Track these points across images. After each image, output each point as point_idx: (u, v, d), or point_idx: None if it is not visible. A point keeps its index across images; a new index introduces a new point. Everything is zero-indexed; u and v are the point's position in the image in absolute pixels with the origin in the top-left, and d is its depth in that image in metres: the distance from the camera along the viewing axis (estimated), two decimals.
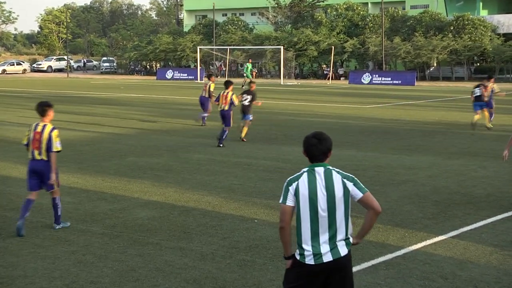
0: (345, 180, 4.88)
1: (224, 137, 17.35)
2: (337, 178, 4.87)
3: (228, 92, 17.67)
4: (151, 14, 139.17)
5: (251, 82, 19.65)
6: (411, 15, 62.21)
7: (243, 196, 11.32)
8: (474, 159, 15.23)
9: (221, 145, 17.22)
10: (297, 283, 4.87)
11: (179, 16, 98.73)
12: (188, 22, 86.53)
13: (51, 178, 8.97)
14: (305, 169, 4.94)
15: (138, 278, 7.24)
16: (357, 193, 4.88)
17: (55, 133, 8.97)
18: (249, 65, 50.73)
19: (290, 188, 4.91)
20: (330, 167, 4.93)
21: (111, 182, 12.57)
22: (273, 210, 10.20)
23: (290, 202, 4.90)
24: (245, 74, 49.95)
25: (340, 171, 4.95)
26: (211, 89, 22.39)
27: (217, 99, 17.97)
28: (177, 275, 7.32)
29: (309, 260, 4.81)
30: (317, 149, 4.92)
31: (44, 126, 8.98)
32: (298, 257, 4.89)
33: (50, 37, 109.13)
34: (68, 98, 36.66)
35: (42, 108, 9.05)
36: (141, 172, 13.70)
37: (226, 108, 17.56)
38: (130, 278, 7.25)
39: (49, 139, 8.90)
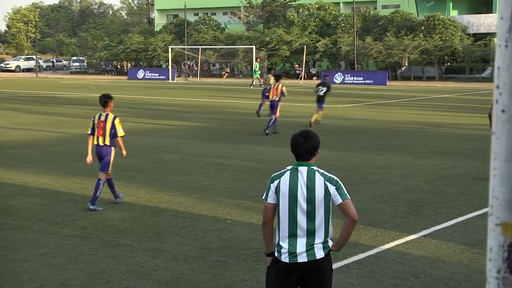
0: (327, 183, 4.82)
1: (270, 124, 19.66)
2: (319, 180, 4.82)
3: (278, 85, 20.16)
4: (121, 14, 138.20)
5: (324, 75, 23.51)
6: (383, 15, 62.70)
7: (216, 196, 11.30)
8: (445, 158, 15.40)
9: (267, 132, 19.56)
10: (275, 280, 4.92)
11: (150, 15, 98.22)
12: (159, 21, 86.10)
13: (123, 153, 10.62)
14: (289, 167, 4.92)
15: (109, 280, 7.19)
16: (337, 198, 4.82)
17: (117, 120, 10.40)
18: (258, 64, 51.00)
19: (271, 185, 4.91)
20: (315, 168, 4.88)
21: (81, 183, 12.46)
22: (246, 211, 10.20)
23: (271, 199, 4.92)
24: (255, 74, 50.20)
25: (325, 172, 4.89)
26: (271, 82, 24.40)
27: (268, 90, 20.68)
28: (149, 277, 7.29)
29: (284, 258, 4.84)
30: (302, 147, 4.87)
31: (107, 115, 10.38)
32: (276, 254, 4.93)
33: (18, 36, 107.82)
34: (38, 98, 36.24)
35: (104, 99, 10.45)
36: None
37: (276, 99, 19.98)
38: (101, 280, 7.20)
39: (113, 126, 10.32)
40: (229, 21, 76.13)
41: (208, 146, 17.38)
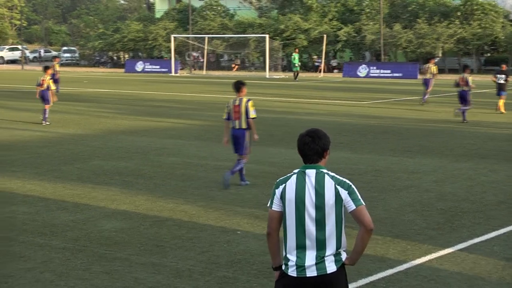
0: (339, 187, 4.88)
1: (464, 111, 22.76)
2: (329, 184, 4.87)
3: (464, 75, 22.99)
4: None
5: (502, 64, 26.60)
6: None
7: (224, 204, 11.32)
8: (484, 161, 15.35)
9: (465, 121, 22.70)
10: None
11: (150, 0, 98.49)
12: (161, 7, 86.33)
13: (254, 137, 12.67)
14: (296, 171, 4.98)
15: None
16: (350, 205, 4.87)
17: (250, 103, 12.47)
18: (296, 55, 50.57)
19: (276, 191, 4.99)
20: (325, 170, 4.93)
21: (73, 189, 12.52)
22: (258, 220, 10.21)
23: (276, 206, 4.98)
24: (295, 65, 49.96)
25: (336, 175, 4.94)
26: (434, 71, 29.28)
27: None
28: None
29: (292, 272, 4.89)
30: (309, 148, 4.93)
31: (241, 99, 12.48)
32: (283, 267, 4.98)
33: (2, 24, 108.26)
34: (23, 93, 36.42)
35: (238, 85, 12.62)
36: (108, 177, 13.65)
37: (466, 89, 22.80)
38: None
39: (246, 109, 12.34)
40: (239, 7, 76.18)
41: (215, 148, 17.40)
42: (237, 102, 12.51)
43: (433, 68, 29.30)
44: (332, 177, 4.90)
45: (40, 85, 22.87)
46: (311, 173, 4.91)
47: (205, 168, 14.67)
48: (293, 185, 4.92)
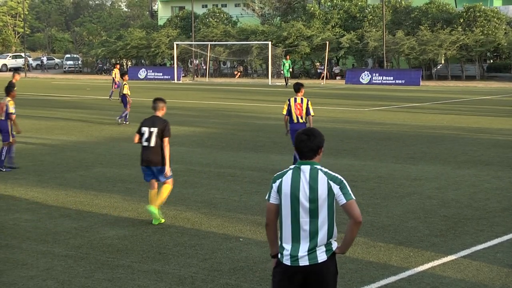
0: (331, 182, 5.23)
1: None
2: (322, 179, 5.22)
3: None
4: (120, 6, 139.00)
5: None
6: (416, 6, 62.55)
7: (226, 211, 11.32)
8: (488, 168, 15.33)
9: None
10: (279, 282, 5.32)
11: (153, 7, 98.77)
12: (163, 14, 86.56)
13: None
14: (292, 167, 5.34)
15: None
16: (341, 199, 5.22)
17: (310, 103, 14.67)
18: (286, 62, 50.71)
19: (273, 185, 5.35)
20: (318, 166, 5.28)
21: (75, 196, 12.53)
22: (261, 227, 10.20)
23: (273, 199, 5.35)
24: (282, 72, 50.14)
25: (329, 171, 5.27)
26: None
27: None
28: None
29: (286, 260, 5.24)
30: (305, 145, 5.30)
31: (302, 98, 14.64)
32: (279, 256, 5.32)
33: (5, 32, 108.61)
34: (26, 101, 36.51)
35: (298, 86, 14.74)
36: (110, 184, 13.65)
37: None
38: None
39: (307, 107, 14.53)
40: (241, 14, 76.36)
41: (218, 155, 17.41)
42: (298, 100, 14.58)
43: None
44: (325, 173, 5.26)
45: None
46: (305, 169, 5.27)
47: (208, 175, 14.67)
48: (288, 180, 5.27)
